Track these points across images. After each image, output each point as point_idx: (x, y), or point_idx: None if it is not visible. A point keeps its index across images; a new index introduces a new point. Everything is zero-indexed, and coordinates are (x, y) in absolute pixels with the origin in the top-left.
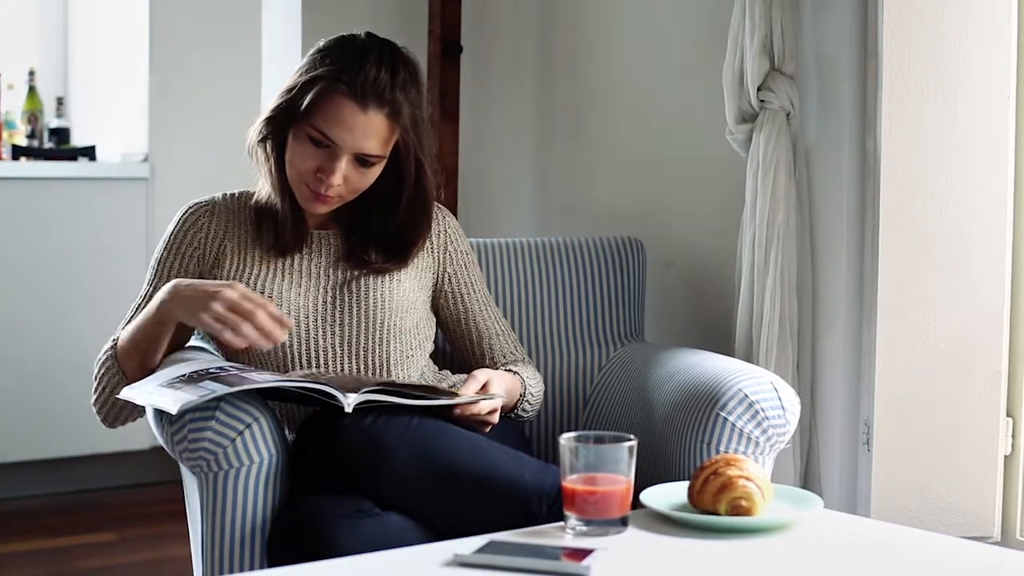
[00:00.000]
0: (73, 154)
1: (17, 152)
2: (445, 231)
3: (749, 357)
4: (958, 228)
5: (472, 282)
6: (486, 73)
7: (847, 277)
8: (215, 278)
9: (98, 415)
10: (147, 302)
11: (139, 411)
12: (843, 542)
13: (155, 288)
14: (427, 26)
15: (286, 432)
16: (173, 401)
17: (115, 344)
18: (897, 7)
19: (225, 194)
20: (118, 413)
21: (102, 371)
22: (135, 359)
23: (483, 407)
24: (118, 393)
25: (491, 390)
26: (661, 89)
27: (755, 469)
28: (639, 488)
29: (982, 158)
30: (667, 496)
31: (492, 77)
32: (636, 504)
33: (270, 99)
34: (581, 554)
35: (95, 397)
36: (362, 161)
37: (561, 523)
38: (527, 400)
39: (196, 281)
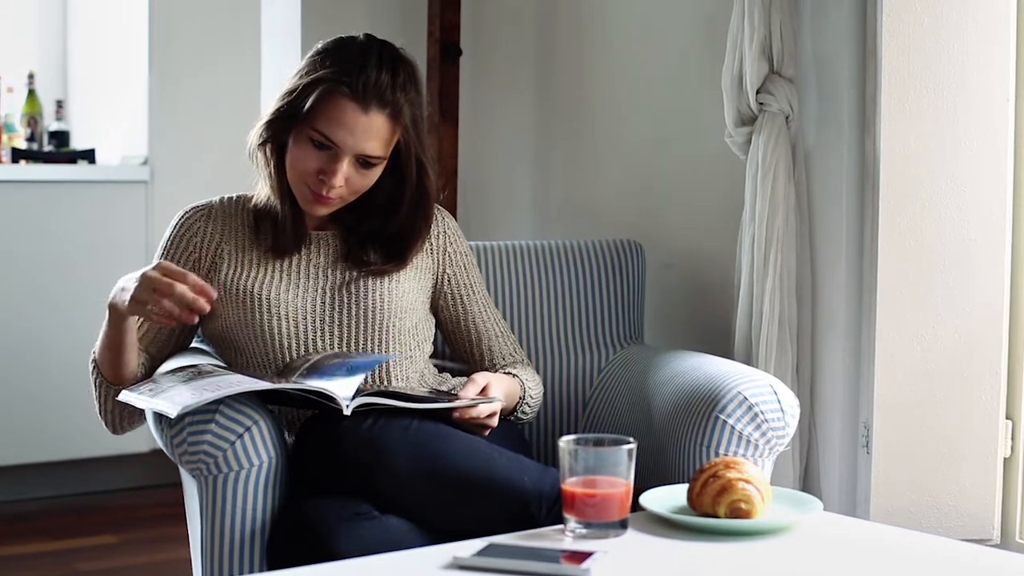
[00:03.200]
0: (73, 157)
1: (17, 155)
2: (445, 232)
3: (748, 360)
4: (957, 230)
5: (472, 284)
6: (486, 75)
7: (846, 279)
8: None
9: (104, 424)
10: None
11: (142, 417)
12: (843, 545)
13: None
14: (426, 28)
15: (285, 435)
16: (172, 404)
17: (94, 352)
18: (896, 10)
19: (223, 197)
20: (120, 420)
21: (94, 382)
22: (107, 361)
23: (482, 410)
24: (113, 398)
25: (490, 393)
26: (660, 91)
27: (755, 472)
28: (639, 491)
29: (981, 160)
30: (667, 499)
31: (491, 79)
32: (636, 507)
33: (269, 102)
34: (580, 557)
35: (96, 407)
36: (364, 162)
37: (560, 526)
38: (526, 403)
39: (136, 272)
